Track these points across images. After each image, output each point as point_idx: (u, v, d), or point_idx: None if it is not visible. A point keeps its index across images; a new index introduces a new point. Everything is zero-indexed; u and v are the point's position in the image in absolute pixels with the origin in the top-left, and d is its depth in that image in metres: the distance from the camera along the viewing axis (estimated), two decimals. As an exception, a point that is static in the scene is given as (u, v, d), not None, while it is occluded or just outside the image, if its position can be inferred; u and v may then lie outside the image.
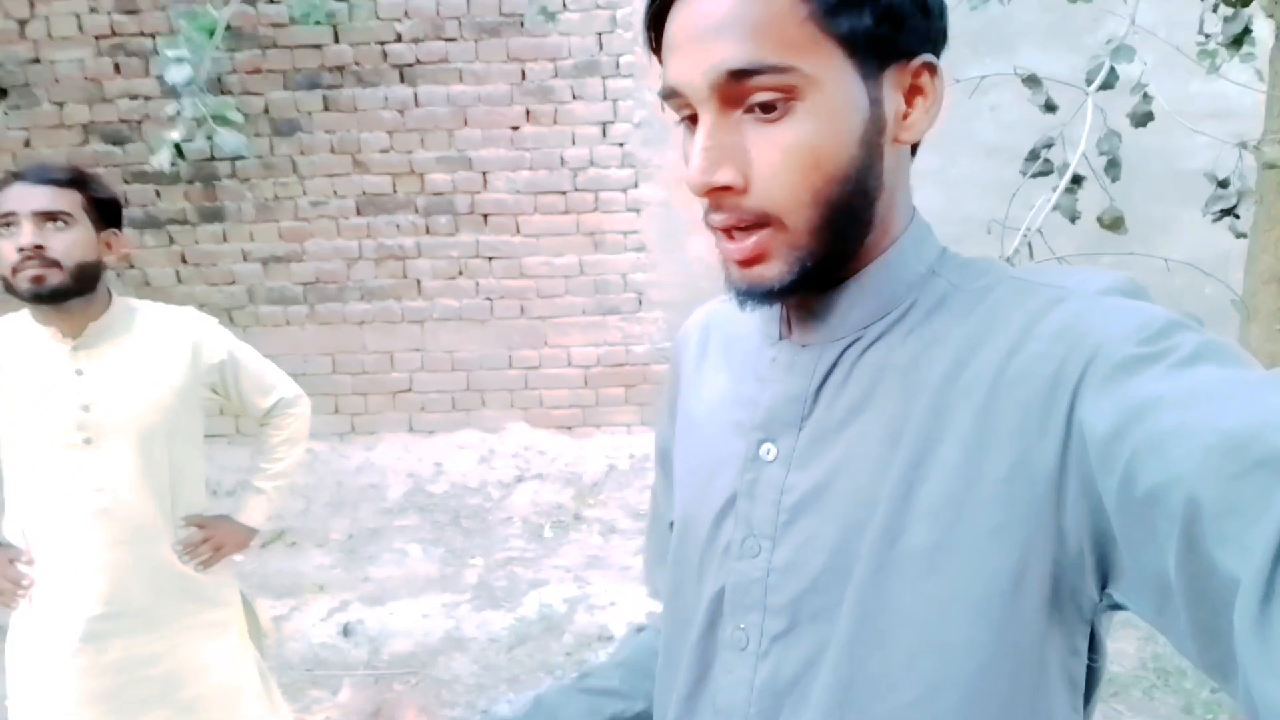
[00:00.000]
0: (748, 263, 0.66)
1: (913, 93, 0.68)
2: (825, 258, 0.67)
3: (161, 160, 1.98)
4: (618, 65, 4.47)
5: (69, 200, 1.68)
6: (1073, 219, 1.94)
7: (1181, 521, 0.48)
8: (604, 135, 4.51)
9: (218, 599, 1.93)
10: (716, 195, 0.65)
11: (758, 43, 0.61)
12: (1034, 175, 2.04)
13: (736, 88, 0.62)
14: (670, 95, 0.66)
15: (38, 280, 1.63)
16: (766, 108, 0.63)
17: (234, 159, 4.42)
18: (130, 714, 1.79)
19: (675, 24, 0.65)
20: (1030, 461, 0.59)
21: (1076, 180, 1.94)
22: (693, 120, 0.66)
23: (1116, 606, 0.60)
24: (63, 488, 1.72)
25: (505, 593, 3.68)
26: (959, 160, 3.95)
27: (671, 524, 0.91)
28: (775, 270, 0.66)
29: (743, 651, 0.73)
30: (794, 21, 0.61)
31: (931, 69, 0.68)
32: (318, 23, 3.26)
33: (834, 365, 0.71)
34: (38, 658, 1.78)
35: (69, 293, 1.67)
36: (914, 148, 0.71)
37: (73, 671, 1.75)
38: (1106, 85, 1.95)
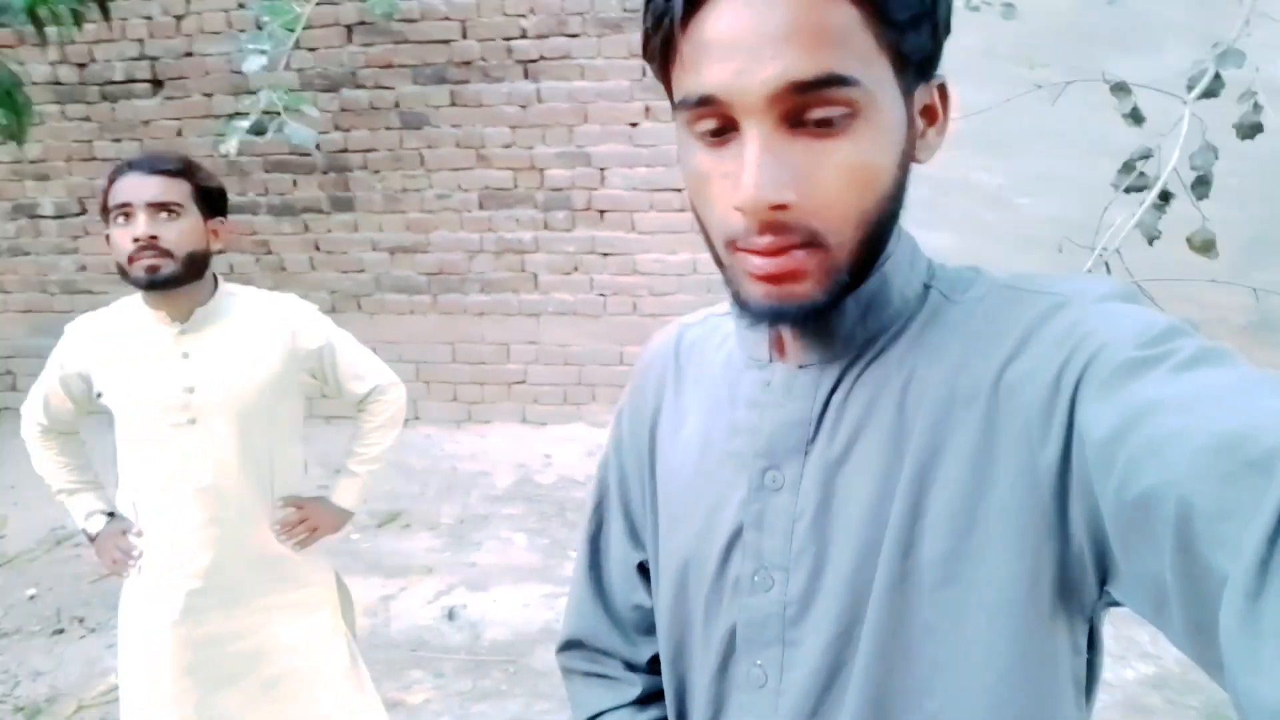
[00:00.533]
0: (779, 279, 0.62)
1: (928, 113, 0.66)
2: (851, 280, 0.65)
3: (230, 148, 2.05)
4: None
5: (180, 191, 1.75)
6: (1151, 240, 1.80)
7: (1175, 524, 0.48)
8: (723, 132, 4.48)
9: (310, 579, 2.01)
10: (772, 215, 0.60)
11: (827, 53, 0.57)
12: (1127, 189, 1.90)
13: (797, 100, 0.58)
14: (701, 104, 0.61)
15: (152, 269, 1.72)
16: (823, 122, 0.59)
17: (302, 153, 4.55)
18: (214, 688, 1.88)
19: (718, 26, 0.59)
20: (1036, 465, 0.59)
21: (1165, 197, 1.79)
22: (719, 134, 0.62)
23: (1115, 603, 0.60)
24: (168, 465, 1.82)
25: (604, 588, 3.70)
26: (1017, 171, 3.74)
27: (642, 565, 0.89)
28: (808, 289, 0.63)
29: (761, 689, 0.71)
30: (857, 32, 0.58)
31: (944, 90, 0.67)
32: (387, 16, 3.28)
33: (835, 386, 0.69)
34: (145, 626, 1.88)
35: (180, 280, 1.76)
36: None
37: (171, 643, 1.85)
38: (1210, 93, 1.80)
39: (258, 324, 1.87)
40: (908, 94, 0.63)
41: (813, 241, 0.61)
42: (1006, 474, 0.60)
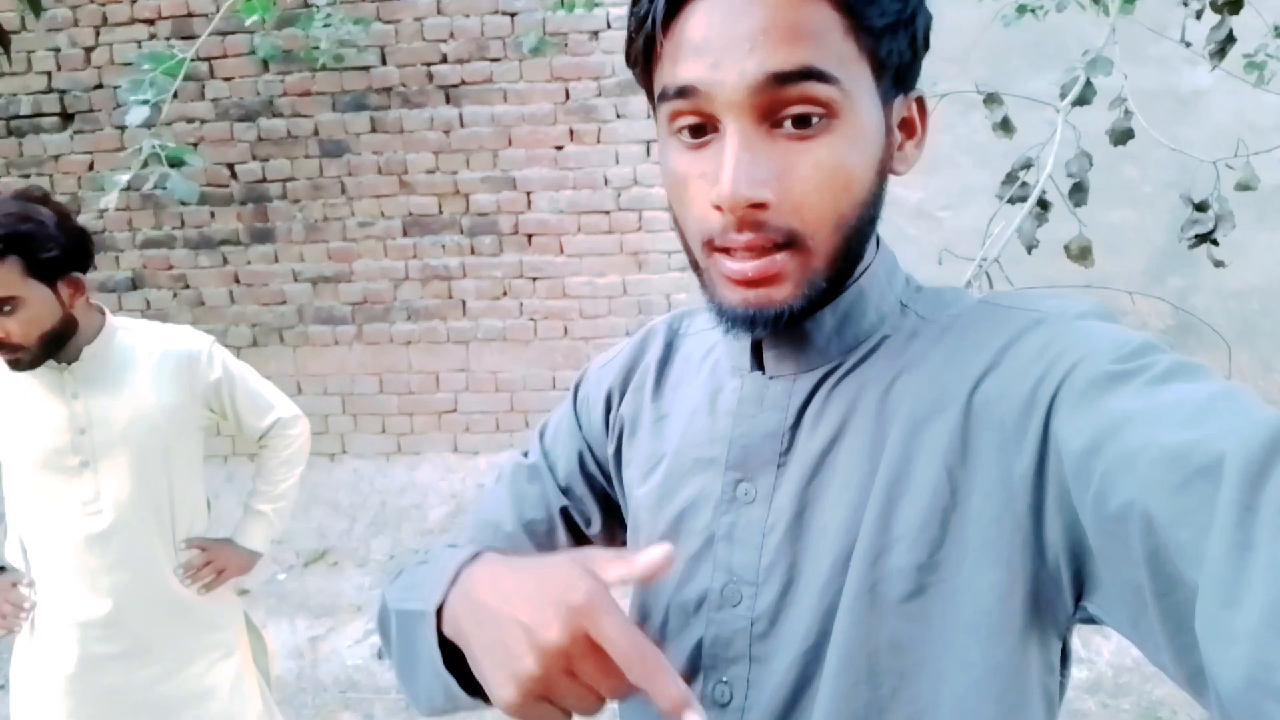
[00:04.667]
0: (755, 283, 0.63)
1: (905, 125, 0.67)
2: (831, 283, 0.65)
3: (108, 202, 1.97)
4: (661, 83, 4.42)
5: (8, 280, 1.57)
6: (1029, 248, 1.82)
7: (1142, 536, 0.48)
8: (648, 154, 4.47)
9: (220, 623, 1.92)
10: (750, 212, 0.60)
11: (804, 48, 0.59)
12: (1010, 200, 1.93)
13: (776, 95, 0.59)
14: (680, 95, 0.62)
15: (13, 363, 1.64)
16: (801, 122, 0.60)
17: (183, 203, 4.46)
18: None
19: (699, 24, 0.60)
20: (1011, 478, 0.59)
21: (1043, 205, 1.82)
22: (696, 131, 0.63)
23: (1089, 620, 0.60)
24: (61, 511, 1.72)
25: (540, 618, 3.62)
26: (940, 185, 3.82)
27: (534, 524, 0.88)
28: (786, 293, 0.63)
29: (724, 709, 0.69)
30: (838, 34, 0.60)
31: (922, 104, 0.67)
32: (337, 59, 3.23)
33: (808, 399, 0.68)
34: (40, 681, 1.78)
35: (46, 357, 1.67)
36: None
37: (72, 695, 1.75)
38: (1082, 101, 1.83)
39: (150, 359, 1.78)
40: (886, 103, 0.64)
41: (791, 243, 0.62)
42: (981, 487, 0.60)
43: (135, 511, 1.76)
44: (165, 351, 1.80)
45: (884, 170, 0.65)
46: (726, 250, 0.63)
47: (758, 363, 0.72)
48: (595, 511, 0.89)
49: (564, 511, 0.89)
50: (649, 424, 0.81)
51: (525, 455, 0.93)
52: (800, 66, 0.58)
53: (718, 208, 0.61)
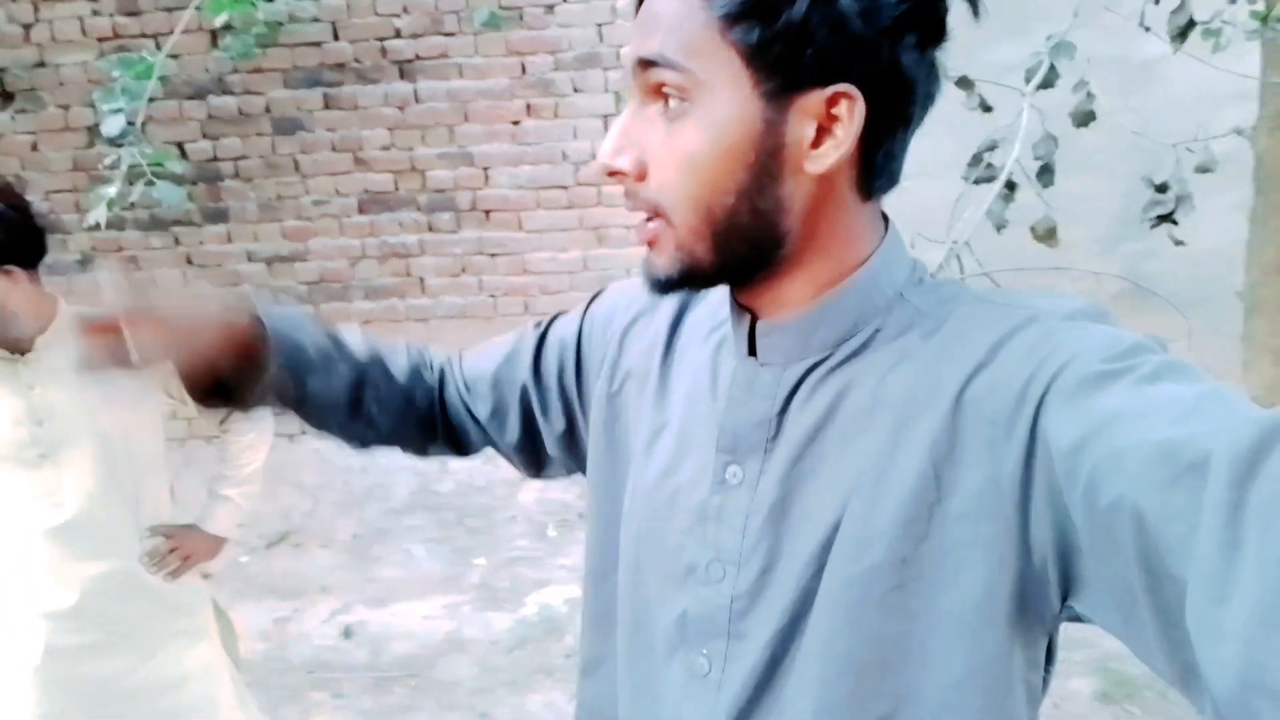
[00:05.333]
0: (647, 245, 0.69)
1: (829, 122, 0.63)
2: (712, 265, 0.68)
3: (98, 216, 1.93)
4: (618, 56, 4.40)
5: None
6: (999, 228, 1.86)
7: (1133, 533, 0.49)
8: (606, 128, 4.45)
9: (188, 609, 1.91)
10: (615, 178, 0.67)
11: (663, 37, 0.63)
12: (976, 181, 1.96)
13: (645, 78, 0.65)
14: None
15: None
16: (669, 103, 0.64)
17: (164, 205, 4.38)
18: None
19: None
20: (999, 476, 0.59)
21: (1011, 186, 1.86)
22: None
23: (1075, 618, 0.61)
24: (22, 505, 1.70)
25: (508, 593, 3.65)
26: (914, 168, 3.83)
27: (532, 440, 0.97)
28: (663, 261, 0.68)
29: (704, 679, 0.71)
30: (697, 24, 0.62)
31: (850, 98, 0.62)
32: (273, 28, 3.16)
33: (796, 387, 0.70)
34: (7, 674, 1.76)
35: None
36: (870, 174, 0.67)
37: (41, 687, 1.73)
38: (1046, 84, 1.87)
39: None
40: (771, 98, 0.62)
41: (657, 214, 0.67)
42: (967, 484, 0.61)
43: (98, 502, 1.74)
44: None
45: (767, 165, 0.64)
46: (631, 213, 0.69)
47: (751, 349, 0.74)
48: (555, 409, 0.95)
49: (524, 391, 0.96)
50: (654, 389, 0.82)
51: (537, 326, 0.99)
52: (653, 55, 0.63)
53: None
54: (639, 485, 0.80)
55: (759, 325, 0.73)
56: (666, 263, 0.68)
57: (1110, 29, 2.19)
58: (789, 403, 0.70)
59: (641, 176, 0.66)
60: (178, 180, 2.26)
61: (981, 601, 0.60)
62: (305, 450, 4.45)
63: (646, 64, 0.64)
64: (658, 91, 0.64)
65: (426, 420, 1.01)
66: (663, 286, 0.70)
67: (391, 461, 4.64)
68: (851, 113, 0.63)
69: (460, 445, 1.04)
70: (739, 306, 0.74)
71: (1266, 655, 0.40)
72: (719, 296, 0.80)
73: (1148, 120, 2.21)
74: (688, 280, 0.69)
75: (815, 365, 0.70)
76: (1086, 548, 0.55)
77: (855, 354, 0.69)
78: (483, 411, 0.99)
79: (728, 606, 0.70)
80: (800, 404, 0.69)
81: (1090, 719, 2.73)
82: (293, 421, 0.97)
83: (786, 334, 0.71)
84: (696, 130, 0.63)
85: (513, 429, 0.97)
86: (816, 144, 0.64)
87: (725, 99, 0.62)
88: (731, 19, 0.61)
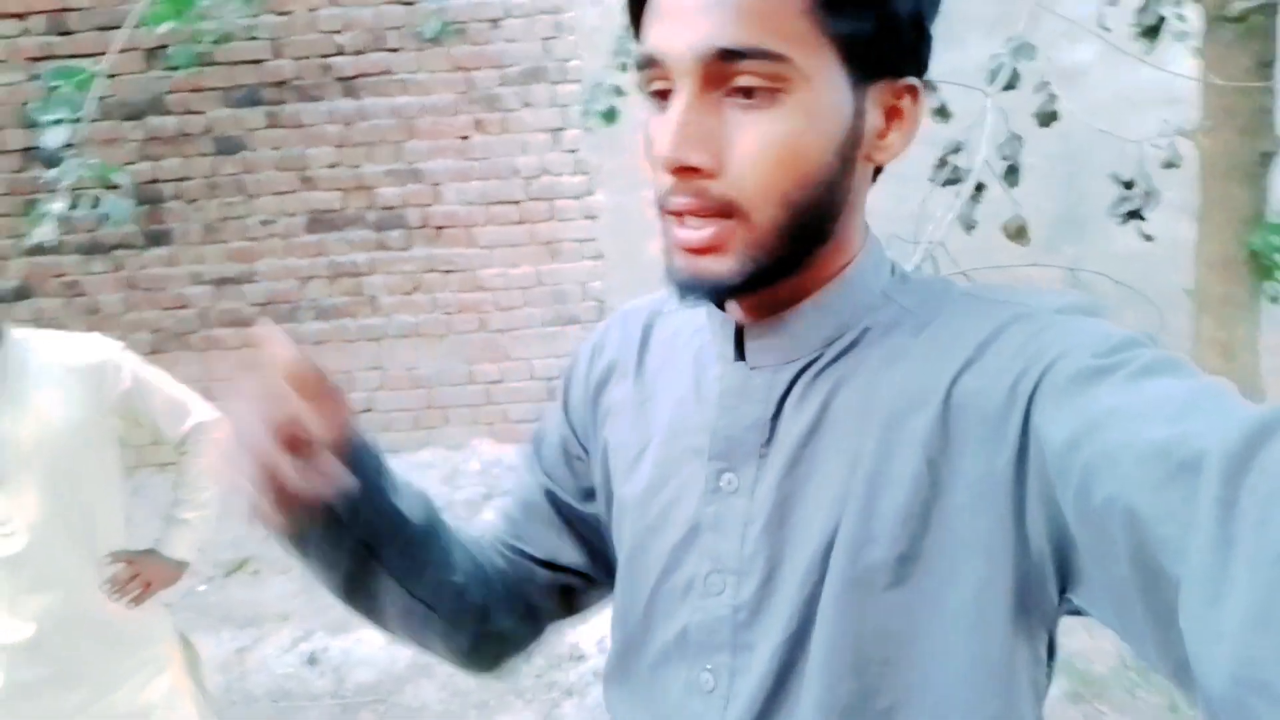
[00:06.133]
0: (700, 252, 0.64)
1: (892, 114, 0.66)
2: (778, 262, 0.65)
3: (45, 234, 1.87)
4: (565, 70, 4.40)
5: None
6: (968, 228, 1.90)
7: (1127, 531, 0.49)
8: (555, 142, 4.45)
9: (150, 638, 1.87)
10: (685, 175, 0.62)
11: (754, 25, 0.59)
12: (944, 183, 2.00)
13: (723, 68, 0.60)
14: (646, 65, 0.64)
15: None
16: (748, 93, 0.61)
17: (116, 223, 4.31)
18: None
19: None
20: (993, 471, 0.59)
21: (979, 187, 1.90)
22: (663, 95, 0.64)
23: (1075, 611, 0.60)
24: None
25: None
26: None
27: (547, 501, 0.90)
28: (727, 266, 0.63)
29: (709, 694, 0.70)
30: (793, 12, 0.60)
31: (914, 92, 0.66)
32: (219, 42, 3.09)
33: (788, 389, 0.69)
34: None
35: None
36: (877, 170, 0.70)
37: (-2, 723, 1.69)
38: (1009, 86, 1.92)
39: (58, 371, 1.71)
40: (857, 86, 0.63)
41: (731, 213, 0.62)
42: (962, 480, 0.61)
43: (50, 532, 1.68)
44: (70, 364, 1.72)
45: (849, 155, 0.64)
46: (678, 216, 0.64)
47: (740, 352, 0.72)
48: (578, 492, 0.90)
49: (550, 494, 0.90)
50: (632, 408, 0.81)
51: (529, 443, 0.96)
52: (745, 45, 0.59)
53: (655, 167, 0.64)
54: (625, 504, 0.79)
55: (749, 329, 0.71)
56: (733, 266, 0.63)
57: (1051, 34, 2.24)
58: (781, 406, 0.69)
59: (714, 173, 0.62)
60: (124, 194, 2.21)
61: (981, 596, 0.60)
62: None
63: (730, 55, 0.59)
64: (726, 81, 0.60)
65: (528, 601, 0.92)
66: (719, 293, 0.66)
67: (347, 483, 4.58)
68: (916, 103, 0.66)
69: (568, 599, 0.94)
70: (721, 309, 0.73)
71: (1260, 654, 0.40)
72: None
73: (1089, 121, 2.27)
74: (752, 284, 0.65)
75: (806, 366, 0.69)
76: (1081, 544, 0.55)
77: (844, 353, 0.68)
78: (542, 549, 0.91)
79: (731, 618, 0.69)
80: (793, 406, 0.69)
81: (1061, 718, 2.79)
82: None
83: (778, 335, 0.70)
84: (790, 120, 0.60)
85: (572, 546, 0.90)
86: (883, 134, 0.66)
87: (823, 89, 0.61)
88: (836, 6, 0.60)
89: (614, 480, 0.82)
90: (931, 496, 0.62)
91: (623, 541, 0.79)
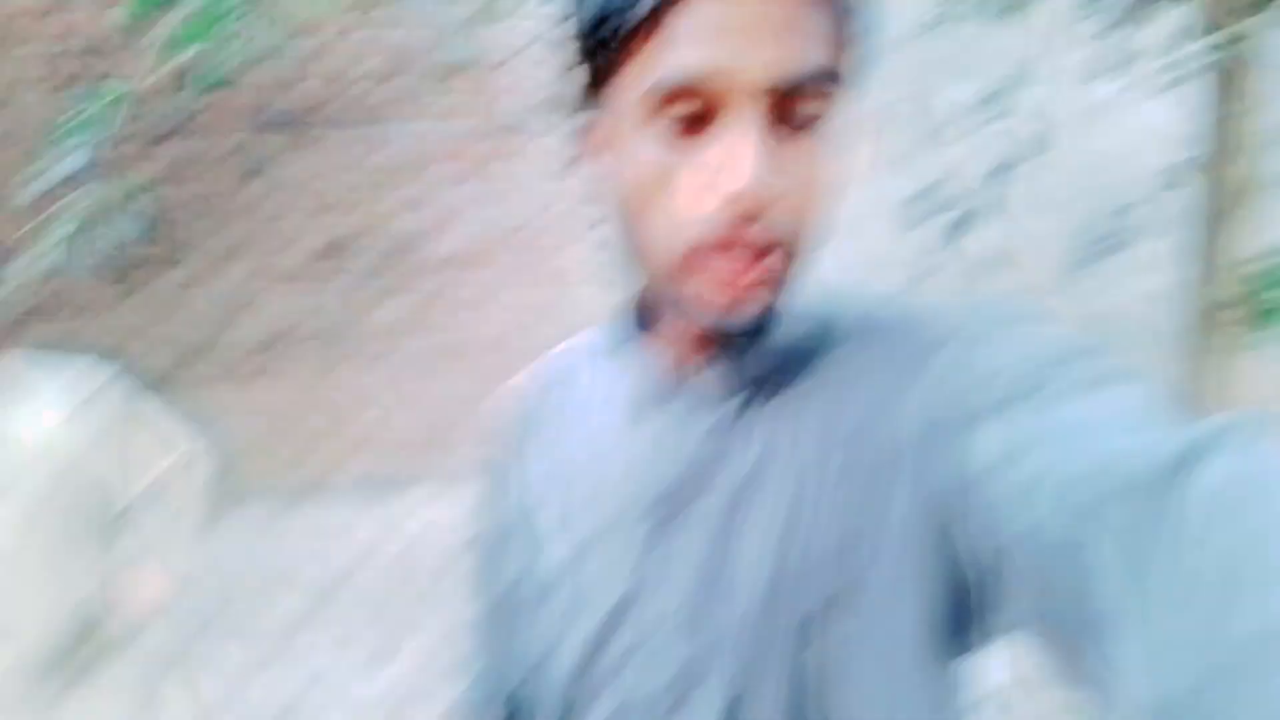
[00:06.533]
0: (747, 287, 0.59)
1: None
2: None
3: (58, 255, 1.80)
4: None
5: None
6: (951, 255, 1.89)
7: (1049, 555, 0.48)
8: (571, 170, 4.45)
9: None
10: (760, 206, 0.56)
11: (824, 49, 0.56)
12: (931, 215, 1.99)
13: (793, 93, 0.56)
14: (685, 82, 0.56)
15: None
16: (807, 121, 0.57)
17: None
18: None
19: (716, 9, 0.55)
20: (926, 497, 0.58)
21: (969, 214, 1.89)
22: (695, 123, 0.57)
23: (1007, 633, 0.58)
24: None
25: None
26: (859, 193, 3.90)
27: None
28: (765, 300, 0.60)
29: None
30: (835, 34, 0.57)
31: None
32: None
33: (729, 426, 0.66)
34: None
35: None
36: None
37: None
38: (1003, 115, 1.92)
39: (48, 396, 1.66)
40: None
41: (781, 245, 0.59)
42: (900, 505, 0.59)
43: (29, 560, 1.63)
44: (62, 388, 1.68)
45: None
46: (722, 249, 0.58)
47: (669, 393, 0.69)
48: None
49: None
50: (538, 475, 0.76)
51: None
52: (822, 68, 0.56)
53: (725, 200, 0.56)
54: (544, 588, 0.74)
55: (682, 369, 0.68)
56: (766, 301, 0.60)
57: (1049, 69, 2.23)
58: (722, 445, 0.66)
59: (776, 206, 0.57)
60: (138, 216, 2.17)
61: (916, 623, 0.59)
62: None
63: (810, 77, 0.56)
64: (791, 106, 0.57)
65: None
66: (762, 330, 0.62)
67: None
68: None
69: None
70: (643, 350, 0.71)
71: (1179, 682, 0.40)
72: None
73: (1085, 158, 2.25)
74: (768, 325, 0.62)
75: (746, 400, 0.66)
76: (1006, 568, 0.53)
77: (784, 383, 0.65)
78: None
79: (672, 686, 0.65)
80: (735, 445, 0.65)
81: (1015, 707, 2.69)
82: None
83: (720, 367, 0.67)
84: (830, 150, 0.59)
85: None
86: None
87: (845, 115, 0.60)
88: (853, 39, 0.59)
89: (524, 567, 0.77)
90: (873, 526, 0.60)
91: (528, 628, 0.76)
